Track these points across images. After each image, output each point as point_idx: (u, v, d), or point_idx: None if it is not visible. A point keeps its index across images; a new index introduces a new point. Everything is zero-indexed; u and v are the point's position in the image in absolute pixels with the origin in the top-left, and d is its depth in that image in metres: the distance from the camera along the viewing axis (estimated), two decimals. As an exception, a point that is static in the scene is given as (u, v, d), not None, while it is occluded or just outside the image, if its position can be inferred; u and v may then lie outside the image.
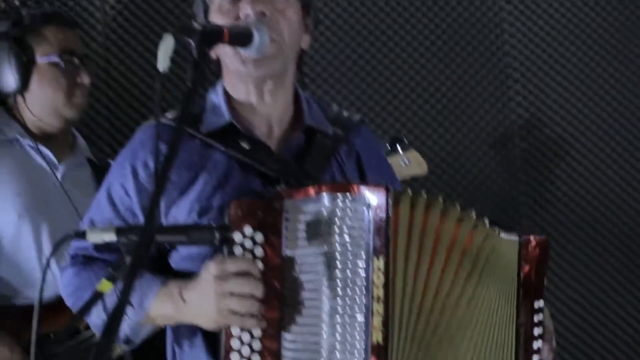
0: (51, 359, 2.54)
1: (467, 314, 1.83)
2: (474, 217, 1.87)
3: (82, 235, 1.74)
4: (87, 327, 2.47)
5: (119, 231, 1.74)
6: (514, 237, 1.92)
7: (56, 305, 2.42)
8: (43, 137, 2.74)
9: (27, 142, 2.71)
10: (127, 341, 1.92)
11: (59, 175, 2.72)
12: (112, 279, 1.66)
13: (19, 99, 2.73)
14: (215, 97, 1.99)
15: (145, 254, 1.53)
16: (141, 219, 1.92)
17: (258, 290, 1.76)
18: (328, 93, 3.43)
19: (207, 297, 1.78)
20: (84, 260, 1.98)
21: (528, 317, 1.90)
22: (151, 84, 3.29)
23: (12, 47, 2.67)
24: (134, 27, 3.30)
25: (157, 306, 1.86)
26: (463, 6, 3.59)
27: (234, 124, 1.94)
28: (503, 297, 1.89)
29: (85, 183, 2.78)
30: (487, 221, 1.89)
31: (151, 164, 1.91)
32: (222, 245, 1.79)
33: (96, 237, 1.74)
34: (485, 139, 3.56)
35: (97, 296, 1.67)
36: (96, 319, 1.90)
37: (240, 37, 1.81)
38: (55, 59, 2.70)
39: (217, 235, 1.76)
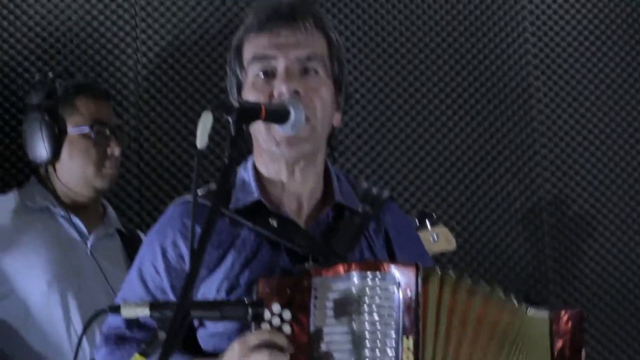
0: None
1: None
2: (502, 294, 1.86)
3: (116, 309, 1.75)
4: None
5: (152, 306, 1.75)
6: (543, 313, 1.91)
7: None
8: (74, 207, 2.77)
9: (58, 212, 2.74)
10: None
11: (88, 245, 2.73)
12: (145, 354, 1.66)
13: (50, 169, 2.76)
14: (245, 174, 2.00)
15: (181, 329, 1.53)
16: (171, 296, 1.93)
17: (280, 359, 1.75)
18: (356, 166, 3.45)
19: None
20: (116, 340, 1.97)
21: None
22: (182, 155, 3.32)
23: (44, 118, 2.71)
24: (165, 98, 3.34)
25: None
26: (492, 82, 3.61)
27: (263, 202, 1.95)
28: None
29: (114, 254, 2.79)
30: (514, 298, 1.89)
31: (180, 243, 1.93)
32: (252, 322, 1.79)
33: (130, 311, 1.75)
34: (514, 214, 3.55)
35: (130, 372, 1.67)
36: None
37: (277, 115, 1.82)
38: (86, 129, 2.73)
39: (249, 311, 1.76)
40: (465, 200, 3.52)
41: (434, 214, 3.04)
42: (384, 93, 3.53)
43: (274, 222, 1.94)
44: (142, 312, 1.73)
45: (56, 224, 2.73)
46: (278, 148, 1.91)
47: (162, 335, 1.65)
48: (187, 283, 1.58)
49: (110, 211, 2.91)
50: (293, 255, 1.92)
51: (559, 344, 1.90)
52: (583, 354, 1.92)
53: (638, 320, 3.58)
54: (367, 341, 1.75)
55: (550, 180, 3.60)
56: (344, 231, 1.98)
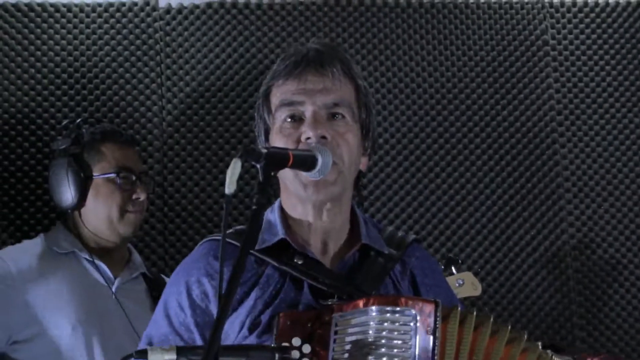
0: None
1: None
2: (525, 338, 1.85)
3: (143, 354, 1.75)
4: None
5: (179, 350, 1.75)
6: (568, 358, 1.91)
7: None
8: (99, 252, 2.78)
9: (83, 256, 2.75)
10: None
11: (113, 289, 2.75)
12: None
13: (76, 214, 2.78)
14: (272, 215, 2.02)
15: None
16: (196, 334, 1.94)
17: None
18: (380, 211, 3.45)
19: None
20: None
21: None
22: (206, 200, 3.34)
23: (71, 163, 2.74)
24: (190, 144, 3.37)
25: None
26: (517, 126, 3.63)
27: (287, 240, 1.96)
28: None
29: (140, 297, 2.81)
30: (539, 344, 1.88)
31: (205, 282, 1.95)
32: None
33: (158, 357, 1.75)
34: (538, 259, 3.54)
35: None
36: None
37: (305, 161, 1.84)
38: (112, 175, 2.75)
39: (276, 355, 1.77)
40: (489, 244, 3.52)
41: (459, 259, 3.04)
42: (408, 139, 3.55)
43: (299, 261, 1.95)
44: (170, 357, 1.73)
45: (81, 268, 2.75)
46: (305, 192, 1.93)
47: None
48: (216, 327, 1.58)
49: (136, 255, 2.92)
50: (317, 293, 1.93)
51: None
52: None
53: (665, 365, 3.55)
54: None
55: (574, 225, 3.59)
56: (369, 271, 1.99)
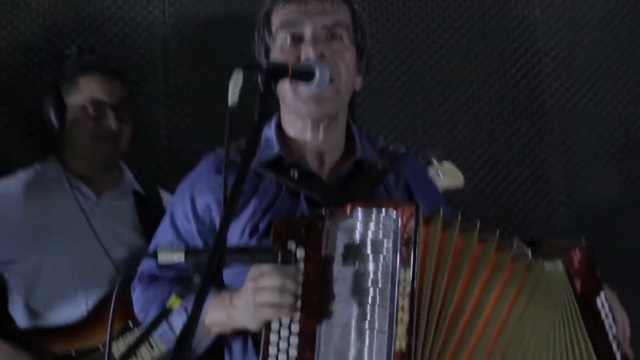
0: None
1: (515, 334, 1.93)
2: (515, 246, 1.99)
3: (154, 254, 1.87)
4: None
5: (187, 252, 1.86)
6: (558, 264, 2.03)
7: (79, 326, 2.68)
8: (84, 175, 2.98)
9: (65, 180, 2.94)
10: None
11: (92, 209, 2.92)
12: (181, 296, 1.77)
13: (62, 141, 2.99)
14: (269, 132, 2.14)
15: (216, 273, 1.65)
16: (199, 241, 2.10)
17: (290, 284, 1.88)
18: (376, 125, 3.51)
19: (246, 295, 1.91)
20: (149, 279, 2.15)
21: (595, 319, 2.03)
22: (209, 117, 3.38)
23: (50, 94, 2.97)
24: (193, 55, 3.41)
25: (212, 313, 2.00)
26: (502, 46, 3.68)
27: (282, 156, 2.09)
28: (564, 315, 2.00)
29: (122, 215, 2.97)
30: (529, 251, 2.01)
31: (208, 195, 2.09)
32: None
33: (167, 257, 1.86)
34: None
35: (166, 312, 1.78)
36: (166, 334, 2.03)
37: (303, 74, 1.95)
38: (83, 105, 2.93)
39: (279, 255, 1.88)
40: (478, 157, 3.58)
41: (439, 149, 2.99)
42: (400, 59, 3.58)
43: (294, 174, 2.07)
44: (178, 258, 1.84)
45: (64, 191, 2.93)
46: (305, 105, 2.04)
47: (196, 278, 1.74)
48: (221, 230, 1.70)
49: (127, 175, 3.09)
50: (312, 204, 2.05)
51: (578, 284, 2.03)
52: (598, 275, 2.06)
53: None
54: (370, 272, 1.85)
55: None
56: (362, 182, 2.12)
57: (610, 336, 2.05)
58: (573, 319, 2.01)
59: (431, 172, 2.88)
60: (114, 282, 2.76)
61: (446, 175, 2.93)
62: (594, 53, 3.70)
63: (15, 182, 2.92)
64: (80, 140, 2.95)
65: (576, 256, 2.04)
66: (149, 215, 2.88)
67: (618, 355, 2.05)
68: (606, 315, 2.05)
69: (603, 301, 2.06)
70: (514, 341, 1.92)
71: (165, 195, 3.03)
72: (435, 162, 2.93)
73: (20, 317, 2.83)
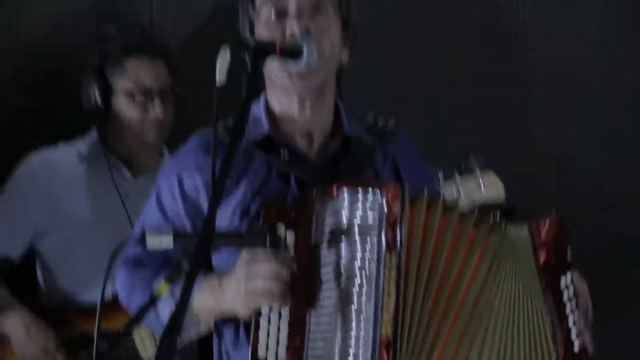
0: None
1: (484, 308, 1.92)
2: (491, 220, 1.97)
3: (142, 238, 1.84)
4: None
5: (176, 236, 1.84)
6: (524, 229, 2.00)
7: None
8: (127, 157, 2.98)
9: (106, 160, 2.95)
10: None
11: (132, 190, 2.93)
12: (169, 280, 1.75)
13: (109, 121, 2.96)
14: (257, 110, 2.11)
15: (204, 258, 1.62)
16: (186, 222, 2.05)
17: (284, 270, 1.85)
18: (366, 100, 3.48)
19: (238, 281, 1.88)
20: (134, 263, 2.11)
21: (556, 299, 1.98)
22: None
23: (93, 78, 2.92)
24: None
25: (200, 298, 1.95)
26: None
27: (271, 135, 2.06)
28: (526, 287, 1.97)
29: None
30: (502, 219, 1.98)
31: (196, 176, 2.05)
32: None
33: (155, 240, 1.83)
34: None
35: (154, 298, 1.76)
36: (152, 320, 1.99)
37: (291, 51, 1.92)
38: (130, 91, 2.90)
39: (267, 239, 1.87)
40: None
41: (481, 157, 2.74)
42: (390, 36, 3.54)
43: (284, 154, 2.05)
44: (166, 241, 1.81)
45: (104, 171, 2.94)
46: (291, 82, 2.01)
47: (185, 262, 1.72)
48: (210, 213, 1.67)
49: (167, 157, 3.07)
50: (301, 185, 2.03)
51: (542, 254, 2.00)
52: (569, 258, 2.01)
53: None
54: (357, 255, 1.83)
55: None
56: (350, 161, 2.09)
57: (570, 321, 2.00)
58: (531, 293, 1.98)
59: (472, 183, 2.71)
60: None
61: (487, 187, 2.72)
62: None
63: (66, 152, 2.95)
64: (125, 126, 2.93)
65: (544, 226, 1.99)
66: None
67: (576, 344, 2.00)
68: (569, 299, 2.00)
69: (568, 282, 2.01)
70: (475, 314, 1.91)
71: None
72: (477, 171, 2.71)
73: (48, 294, 2.88)
